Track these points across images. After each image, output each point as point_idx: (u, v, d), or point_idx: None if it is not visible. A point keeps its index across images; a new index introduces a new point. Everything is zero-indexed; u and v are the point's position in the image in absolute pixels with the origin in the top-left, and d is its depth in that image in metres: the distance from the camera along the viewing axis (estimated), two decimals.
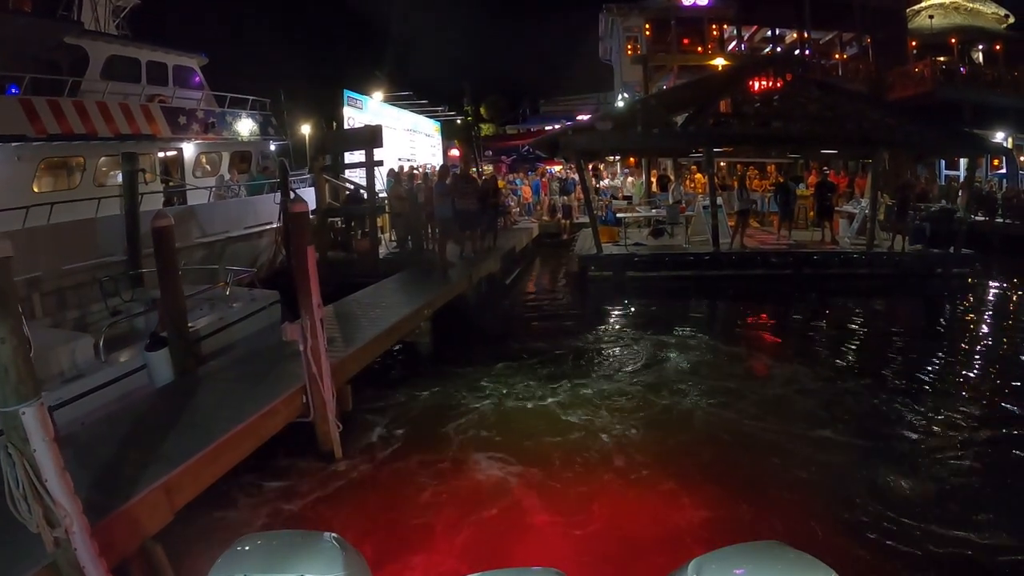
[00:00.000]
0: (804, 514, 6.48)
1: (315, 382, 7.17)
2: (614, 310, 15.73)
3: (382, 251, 17.35)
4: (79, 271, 12.20)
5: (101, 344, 7.94)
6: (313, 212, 17.48)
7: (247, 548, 3.37)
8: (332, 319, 10.34)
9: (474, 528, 6.25)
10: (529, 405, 9.47)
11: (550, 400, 9.63)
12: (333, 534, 3.51)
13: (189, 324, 9.25)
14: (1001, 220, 24.36)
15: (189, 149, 18.49)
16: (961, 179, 29.10)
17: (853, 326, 14.65)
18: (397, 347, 11.67)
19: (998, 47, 34.35)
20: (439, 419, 8.94)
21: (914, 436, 8.37)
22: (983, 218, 23.95)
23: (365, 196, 17.55)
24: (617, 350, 12.38)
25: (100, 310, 10.39)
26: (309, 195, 17.96)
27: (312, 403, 7.24)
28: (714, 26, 36.95)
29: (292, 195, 13.04)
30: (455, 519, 6.39)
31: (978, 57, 35.90)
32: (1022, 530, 6.09)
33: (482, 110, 58.87)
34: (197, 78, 19.75)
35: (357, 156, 17.63)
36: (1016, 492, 6.88)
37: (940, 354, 12.10)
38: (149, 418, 6.80)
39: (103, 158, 15.81)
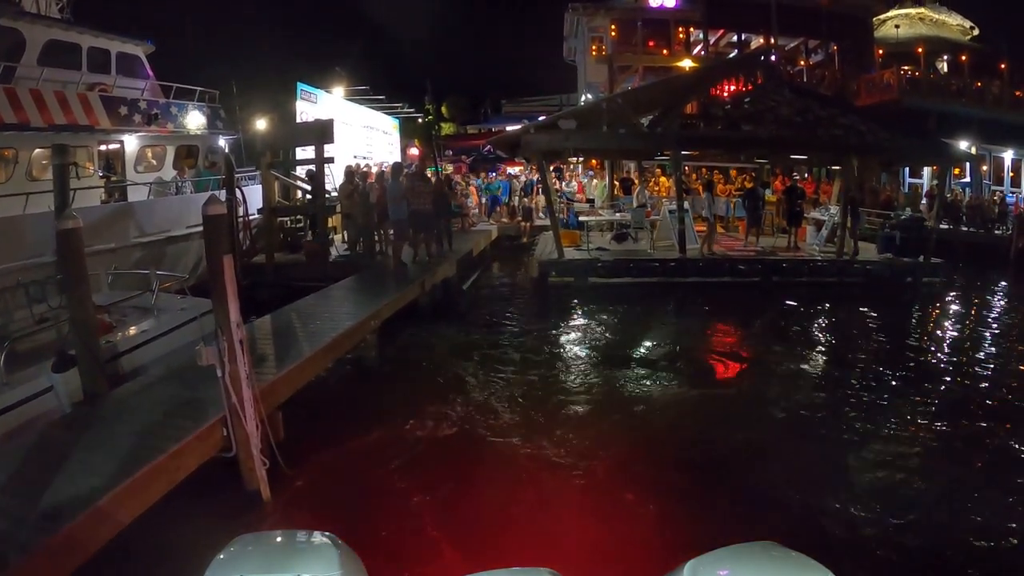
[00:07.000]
0: (795, 514, 6.49)
1: (236, 413, 6.27)
2: (577, 318, 15.12)
3: (332, 253, 16.47)
4: (2, 273, 11.10)
5: (1, 361, 7.06)
6: (260, 211, 16.73)
7: (242, 549, 3.29)
8: (267, 333, 9.48)
9: None
10: (489, 424, 8.77)
11: (512, 415, 9.03)
12: (328, 533, 3.48)
13: (107, 338, 8.41)
14: (965, 228, 24.49)
15: (131, 142, 17.47)
16: (924, 187, 29.30)
17: (826, 334, 14.65)
18: (344, 360, 10.86)
19: (963, 58, 34.78)
20: (386, 448, 8.04)
21: (897, 436, 8.56)
22: (947, 226, 23.97)
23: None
24: (583, 362, 11.88)
25: (25, 318, 9.44)
26: (256, 192, 17.19)
27: (234, 437, 6.34)
28: (680, 28, 37.02)
29: (221, 195, 12.21)
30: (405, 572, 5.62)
31: (943, 67, 36.31)
32: (1006, 523, 6.34)
33: (443, 109, 58.35)
34: (142, 67, 18.74)
35: (309, 153, 16.78)
36: (998, 489, 7.10)
37: (916, 360, 12.34)
38: (41, 456, 5.85)
39: (37, 150, 14.83)
